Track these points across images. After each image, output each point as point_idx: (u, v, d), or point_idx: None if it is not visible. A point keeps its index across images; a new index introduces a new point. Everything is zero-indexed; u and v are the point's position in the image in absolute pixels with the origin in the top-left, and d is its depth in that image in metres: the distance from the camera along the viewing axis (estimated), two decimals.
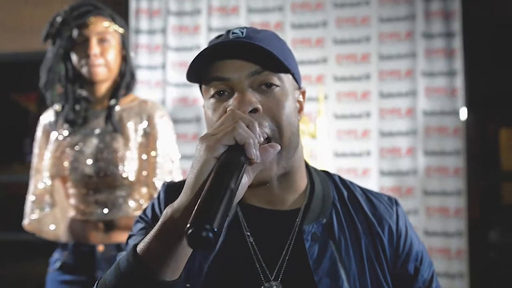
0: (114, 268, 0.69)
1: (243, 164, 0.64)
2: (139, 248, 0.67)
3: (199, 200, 0.58)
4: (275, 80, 0.80)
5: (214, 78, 0.80)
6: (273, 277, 0.81)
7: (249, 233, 0.84)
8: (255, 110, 0.77)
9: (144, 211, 0.92)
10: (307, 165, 0.93)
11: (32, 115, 3.87)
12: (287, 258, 0.83)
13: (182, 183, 0.91)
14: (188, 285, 0.79)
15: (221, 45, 0.78)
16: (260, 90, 0.80)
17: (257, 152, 0.66)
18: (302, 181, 0.89)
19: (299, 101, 0.89)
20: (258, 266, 0.82)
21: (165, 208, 0.83)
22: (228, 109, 0.77)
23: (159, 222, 0.66)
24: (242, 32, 0.81)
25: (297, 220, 0.86)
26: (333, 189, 0.91)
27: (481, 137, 3.93)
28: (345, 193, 0.91)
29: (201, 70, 0.82)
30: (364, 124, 2.76)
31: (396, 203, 0.94)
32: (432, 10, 2.73)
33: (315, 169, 0.95)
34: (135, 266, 0.65)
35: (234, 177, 0.61)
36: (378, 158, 2.73)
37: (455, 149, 2.66)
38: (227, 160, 0.64)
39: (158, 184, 1.57)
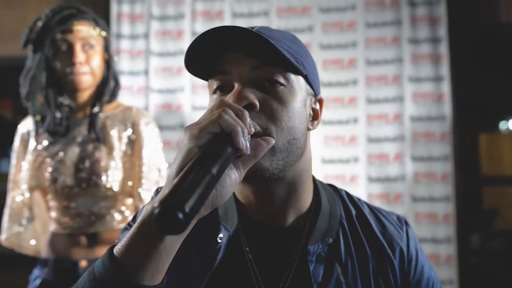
0: (88, 272, 0.62)
1: (230, 154, 0.59)
2: (116, 249, 0.60)
3: (174, 182, 0.53)
4: (280, 78, 0.73)
5: (216, 71, 0.75)
6: None
7: (248, 249, 0.77)
8: (251, 106, 0.71)
9: (134, 218, 0.83)
10: (314, 180, 0.86)
11: (6, 123, 3.75)
12: (289, 280, 0.76)
13: None
14: None
15: (222, 30, 0.70)
16: (263, 88, 0.73)
17: (246, 142, 0.61)
18: (306, 196, 0.81)
19: (313, 109, 0.82)
20: (257, 286, 0.75)
21: None
22: None
23: (139, 220, 0.60)
24: (252, 28, 0.75)
25: (302, 239, 0.78)
26: (340, 207, 0.84)
27: (463, 142, 3.96)
28: (354, 212, 0.84)
29: (201, 62, 0.76)
30: (351, 130, 2.73)
31: (406, 224, 0.87)
32: (418, 15, 2.72)
33: (321, 183, 0.88)
34: (110, 268, 0.58)
35: (217, 163, 0.56)
36: (366, 164, 2.70)
37: (442, 154, 2.65)
38: (210, 146, 0.59)
39: (144, 195, 1.49)
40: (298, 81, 0.77)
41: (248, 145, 0.62)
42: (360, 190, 2.67)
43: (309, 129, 0.81)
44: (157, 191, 0.85)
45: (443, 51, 2.67)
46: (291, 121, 0.73)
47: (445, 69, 2.66)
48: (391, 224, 0.85)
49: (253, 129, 0.66)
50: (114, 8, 2.92)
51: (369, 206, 0.88)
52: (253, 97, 0.71)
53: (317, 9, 2.82)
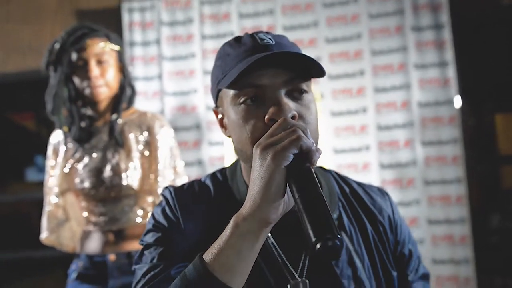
0: (181, 279, 0.71)
1: (312, 170, 0.67)
2: (207, 258, 0.70)
3: (305, 214, 0.61)
4: (305, 87, 0.81)
5: (247, 84, 0.79)
6: (297, 274, 0.84)
7: (269, 234, 0.86)
8: (293, 117, 0.77)
9: (155, 220, 0.90)
10: None
11: (30, 134, 3.90)
12: (308, 255, 0.85)
13: (188, 186, 0.93)
14: None
15: (262, 59, 0.76)
16: (293, 97, 0.80)
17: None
18: None
19: None
20: (282, 265, 0.84)
21: (180, 212, 0.87)
22: (266, 117, 0.77)
23: (227, 232, 0.69)
24: (270, 39, 0.83)
25: None
26: (335, 185, 0.96)
27: (477, 124, 3.98)
28: (347, 189, 0.96)
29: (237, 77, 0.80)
30: (361, 120, 2.80)
31: (387, 194, 1.00)
32: (420, 3, 2.78)
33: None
34: (206, 279, 0.68)
35: (317, 184, 0.64)
36: (377, 151, 2.78)
37: (452, 137, 2.71)
38: (303, 169, 0.66)
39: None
40: (311, 83, 0.85)
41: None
42: (373, 177, 2.75)
43: None
44: (170, 191, 0.92)
45: (446, 36, 2.72)
46: (316, 124, 0.83)
47: (449, 54, 2.72)
48: (377, 196, 0.98)
49: (315, 145, 0.73)
50: (125, 18, 3.04)
51: (355, 182, 1.00)
52: (294, 109, 0.78)
53: (321, 4, 2.90)
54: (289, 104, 0.78)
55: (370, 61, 2.82)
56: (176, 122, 2.93)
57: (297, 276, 0.83)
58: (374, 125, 2.79)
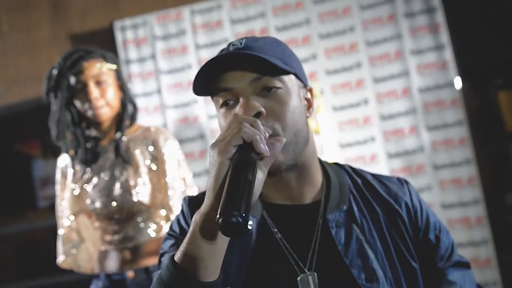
0: (156, 281, 0.74)
1: (255, 159, 0.70)
2: (177, 257, 0.73)
3: (223, 194, 0.65)
4: (276, 83, 0.85)
5: (220, 89, 0.86)
6: (306, 267, 0.85)
7: (276, 230, 0.89)
8: (259, 114, 0.82)
9: (171, 228, 0.96)
10: (319, 160, 0.98)
11: (37, 161, 3.93)
12: (316, 247, 0.87)
13: (202, 194, 0.95)
14: None
15: (220, 58, 0.83)
16: (263, 94, 0.85)
17: (265, 146, 0.72)
18: (317, 175, 0.94)
19: (306, 99, 0.94)
20: (291, 259, 0.86)
21: (191, 219, 0.90)
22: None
23: (190, 229, 0.73)
24: (241, 43, 0.87)
25: (320, 211, 0.90)
26: (347, 178, 0.97)
27: (481, 104, 3.96)
28: (359, 180, 0.97)
29: (208, 83, 0.88)
30: (363, 112, 2.80)
31: (406, 182, 1.00)
32: None
33: (326, 162, 1.00)
34: (177, 274, 0.71)
35: (249, 170, 0.68)
36: (383, 142, 2.77)
37: (456, 120, 2.69)
38: (240, 158, 0.70)
39: (173, 205, 1.62)
40: (290, 79, 0.88)
41: (267, 148, 0.72)
42: (382, 167, 2.74)
43: (307, 117, 0.93)
44: (186, 200, 0.98)
45: (440, 19, 2.72)
46: (293, 117, 0.85)
47: (444, 37, 2.71)
48: (393, 184, 0.98)
49: (267, 134, 0.77)
50: (118, 36, 3.06)
51: (371, 174, 1.01)
52: (259, 105, 0.82)
53: (311, 1, 2.90)
54: (256, 101, 0.82)
55: (366, 52, 2.82)
56: (180, 134, 2.94)
57: (305, 270, 0.85)
58: (377, 115, 2.78)
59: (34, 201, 3.93)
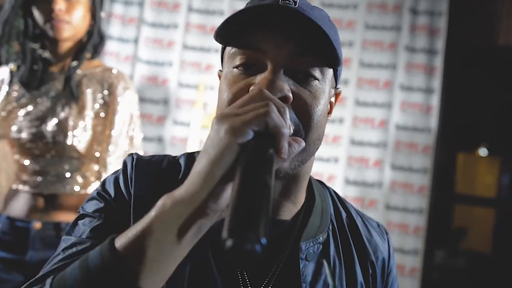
0: (80, 263, 0.53)
1: (273, 157, 0.50)
2: (119, 243, 0.51)
3: (233, 201, 0.44)
4: (317, 72, 0.65)
5: (248, 45, 0.65)
6: None
7: None
8: (284, 99, 0.61)
9: (103, 187, 0.73)
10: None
11: None
12: (275, 276, 0.70)
13: (157, 160, 0.76)
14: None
15: (266, 8, 0.62)
16: (296, 78, 0.64)
17: (287, 146, 0.53)
18: (303, 191, 0.75)
19: (330, 102, 0.74)
20: (241, 281, 0.68)
21: (135, 186, 0.69)
22: (251, 88, 0.63)
23: (152, 214, 0.51)
24: (295, 2, 0.64)
25: (293, 234, 0.72)
26: (330, 204, 0.79)
27: (444, 159, 3.98)
28: (344, 214, 0.79)
29: (234, 30, 0.65)
30: (335, 130, 2.70)
31: (387, 233, 0.84)
32: (418, 24, 2.70)
33: (313, 178, 0.81)
34: (111, 265, 0.50)
35: (270, 172, 0.48)
36: (345, 166, 2.67)
37: (422, 167, 2.64)
38: (259, 150, 0.50)
39: (110, 162, 1.42)
40: (329, 75, 0.68)
41: (287, 149, 0.53)
42: (336, 191, 2.64)
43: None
44: (132, 158, 0.75)
45: (438, 63, 2.65)
46: (320, 120, 0.66)
47: (437, 82, 2.65)
48: (375, 231, 0.81)
49: (291, 131, 0.60)
50: None
51: (355, 209, 0.83)
52: (288, 89, 0.62)
53: (318, 5, 2.76)
54: (285, 82, 0.62)
55: (357, 71, 2.71)
56: (144, 92, 2.73)
57: None
58: (348, 138, 2.68)
59: None
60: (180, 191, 0.51)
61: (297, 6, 0.64)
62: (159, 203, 0.52)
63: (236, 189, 0.45)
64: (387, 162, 2.65)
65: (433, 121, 2.64)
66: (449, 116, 2.80)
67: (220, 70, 0.73)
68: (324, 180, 2.65)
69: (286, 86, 0.62)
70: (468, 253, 4.69)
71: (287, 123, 0.53)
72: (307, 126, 0.64)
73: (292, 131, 0.60)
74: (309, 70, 0.65)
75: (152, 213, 0.52)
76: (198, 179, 0.51)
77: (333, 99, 0.75)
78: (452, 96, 2.80)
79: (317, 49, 0.64)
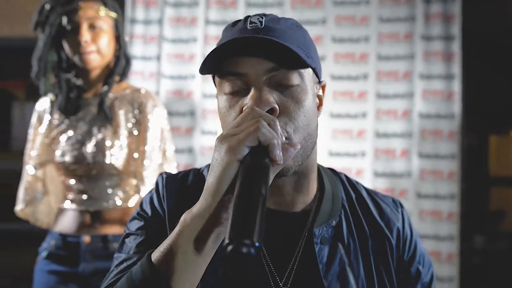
0: (127, 278, 0.65)
1: (268, 167, 0.60)
2: (154, 257, 0.63)
3: (232, 211, 0.54)
4: (294, 79, 0.74)
5: (229, 72, 0.74)
6: (282, 282, 0.77)
7: None
8: (271, 111, 0.70)
9: (141, 208, 0.84)
10: (318, 166, 0.88)
11: (19, 102, 3.80)
12: (297, 262, 0.79)
13: (183, 176, 0.87)
14: None
15: (237, 41, 0.72)
16: (278, 88, 0.73)
17: (281, 153, 0.61)
18: (314, 182, 0.84)
19: (318, 96, 0.83)
20: (268, 271, 0.77)
21: (167, 203, 0.80)
22: (244, 108, 0.72)
23: (176, 230, 0.63)
24: (261, 22, 0.74)
25: (308, 222, 0.81)
26: (341, 189, 0.87)
27: (473, 143, 3.94)
28: (353, 195, 0.87)
29: (215, 61, 0.76)
30: (359, 124, 2.74)
31: (401, 205, 0.92)
32: (432, 12, 2.71)
33: (322, 167, 0.90)
34: (151, 279, 0.61)
35: (264, 182, 0.57)
36: (372, 159, 2.71)
37: (449, 152, 2.65)
38: (253, 163, 0.59)
39: (146, 176, 1.52)
40: (308, 74, 0.77)
41: (281, 155, 0.62)
42: (366, 185, 2.64)
43: (317, 117, 0.82)
44: (162, 177, 0.86)
45: (456, 49, 2.66)
46: (306, 119, 0.74)
47: (456, 68, 2.65)
48: (388, 206, 0.88)
49: (283, 137, 0.68)
50: None
51: (366, 189, 0.91)
52: (273, 101, 0.71)
53: (331, 2, 2.82)
54: (270, 95, 0.71)
55: (375, 65, 2.75)
56: (171, 106, 2.84)
57: (281, 285, 0.77)
58: (372, 131, 2.72)
59: (9, 141, 3.81)
60: (197, 207, 0.62)
61: (263, 26, 0.74)
62: (182, 219, 0.63)
63: (234, 201, 0.55)
64: (414, 152, 2.67)
65: (456, 107, 2.65)
66: (472, 100, 2.80)
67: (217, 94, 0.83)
68: (352, 174, 2.71)
69: (272, 99, 0.71)
70: (508, 234, 4.61)
71: (278, 133, 0.62)
72: (295, 127, 0.73)
73: (284, 138, 0.69)
74: (287, 80, 0.73)
75: (177, 228, 0.63)
76: (208, 194, 0.61)
77: (320, 92, 0.84)
78: (473, 80, 2.79)
79: (287, 60, 0.72)
